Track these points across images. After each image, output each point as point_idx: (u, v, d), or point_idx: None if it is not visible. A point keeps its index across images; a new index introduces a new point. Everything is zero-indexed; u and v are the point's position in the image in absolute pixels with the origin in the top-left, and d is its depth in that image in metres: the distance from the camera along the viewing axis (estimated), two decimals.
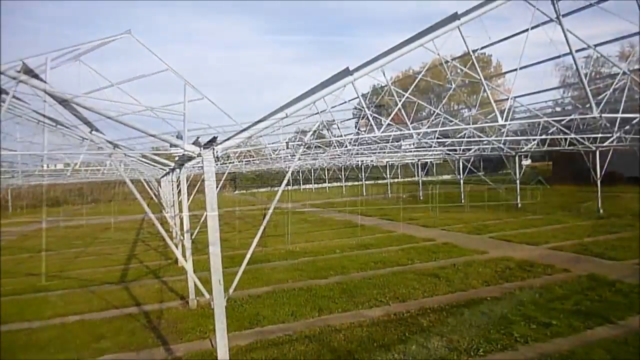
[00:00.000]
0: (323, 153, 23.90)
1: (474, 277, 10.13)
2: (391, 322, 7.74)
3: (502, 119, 6.38)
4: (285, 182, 5.52)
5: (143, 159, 14.65)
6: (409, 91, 6.73)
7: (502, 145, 22.99)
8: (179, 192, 12.67)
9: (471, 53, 6.13)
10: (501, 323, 7.30)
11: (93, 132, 8.31)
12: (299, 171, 57.54)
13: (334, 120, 16.77)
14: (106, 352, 7.27)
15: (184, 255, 12.55)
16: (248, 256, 4.71)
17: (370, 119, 5.76)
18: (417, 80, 6.83)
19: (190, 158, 7.14)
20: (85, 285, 11.79)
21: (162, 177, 25.13)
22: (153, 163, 14.33)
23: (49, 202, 58.24)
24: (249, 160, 24.37)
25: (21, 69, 4.05)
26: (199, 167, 14.01)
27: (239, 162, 23.33)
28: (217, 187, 4.53)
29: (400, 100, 7.71)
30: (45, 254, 17.96)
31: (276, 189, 61.31)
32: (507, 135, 19.93)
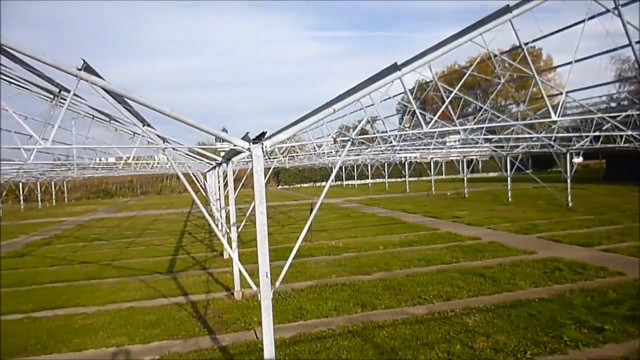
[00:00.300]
0: (366, 149, 23.84)
1: (521, 278, 9.86)
2: (435, 320, 7.65)
3: (555, 114, 6.16)
4: (332, 177, 5.55)
5: (190, 154, 15.08)
6: (458, 87, 6.58)
7: (552, 142, 22.21)
8: (225, 185, 12.96)
9: (523, 47, 5.94)
10: (550, 326, 7.09)
11: (145, 126, 8.62)
12: (341, 167, 57.62)
13: (377, 116, 16.69)
14: (155, 338, 7.54)
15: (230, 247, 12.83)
16: (295, 250, 4.77)
17: (418, 114, 5.68)
18: (466, 76, 6.66)
19: (237, 153, 7.29)
20: (136, 274, 12.26)
21: (208, 171, 25.77)
22: (200, 157, 14.72)
23: (101, 194, 60.83)
24: (293, 156, 24.59)
25: (82, 67, 4.25)
26: (244, 161, 14.26)
27: (283, 157, 23.58)
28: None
29: (446, 96, 7.58)
30: (98, 243, 18.81)
31: (319, 184, 61.74)
32: (557, 132, 19.24)
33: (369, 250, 13.75)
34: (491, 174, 60.82)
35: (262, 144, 4.39)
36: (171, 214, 30.91)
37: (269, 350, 4.73)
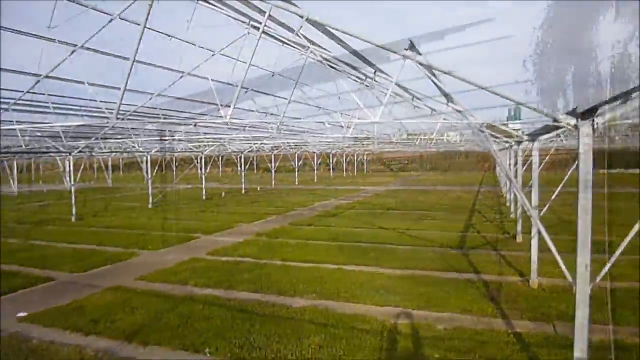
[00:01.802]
0: None
1: None
2: None
3: None
4: None
5: (487, 131, 14.68)
6: None
7: None
8: (522, 165, 12.21)
9: None
10: None
11: (449, 103, 8.74)
12: None
13: None
14: (447, 309, 7.77)
15: (526, 232, 12.07)
16: (624, 243, 4.12)
17: None
18: None
19: (551, 129, 6.71)
20: (428, 245, 12.84)
21: (501, 150, 24.69)
22: (498, 135, 14.20)
23: (395, 167, 65.81)
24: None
25: (409, 47, 4.54)
26: (547, 140, 13.01)
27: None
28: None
29: None
30: (393, 212, 20.45)
31: None
32: None
33: None
34: None
35: (593, 120, 3.89)
36: (459, 191, 31.09)
37: (580, 349, 4.28)
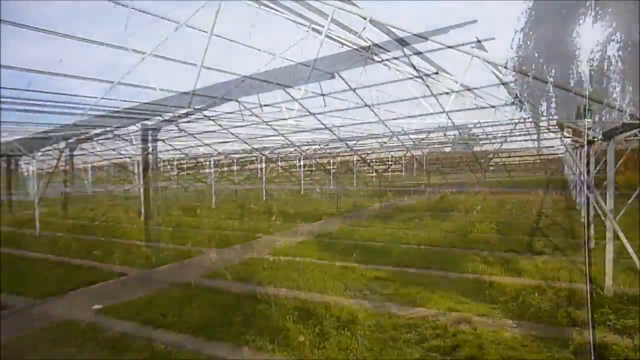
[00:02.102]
0: None
1: None
2: None
3: None
4: None
5: (559, 130, 14.04)
6: None
7: None
8: (594, 167, 11.56)
9: None
10: None
11: (516, 100, 8.44)
12: None
13: None
14: (516, 316, 7.46)
15: (598, 237, 11.44)
16: None
17: None
18: None
19: (626, 129, 6.30)
20: (492, 249, 12.41)
21: (574, 149, 23.46)
22: (567, 134, 13.53)
23: (449, 169, 64.18)
24: None
25: (475, 44, 4.42)
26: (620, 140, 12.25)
27: None
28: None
29: None
30: (448, 214, 19.98)
31: None
32: None
33: None
34: None
35: None
36: (525, 193, 29.85)
37: None
